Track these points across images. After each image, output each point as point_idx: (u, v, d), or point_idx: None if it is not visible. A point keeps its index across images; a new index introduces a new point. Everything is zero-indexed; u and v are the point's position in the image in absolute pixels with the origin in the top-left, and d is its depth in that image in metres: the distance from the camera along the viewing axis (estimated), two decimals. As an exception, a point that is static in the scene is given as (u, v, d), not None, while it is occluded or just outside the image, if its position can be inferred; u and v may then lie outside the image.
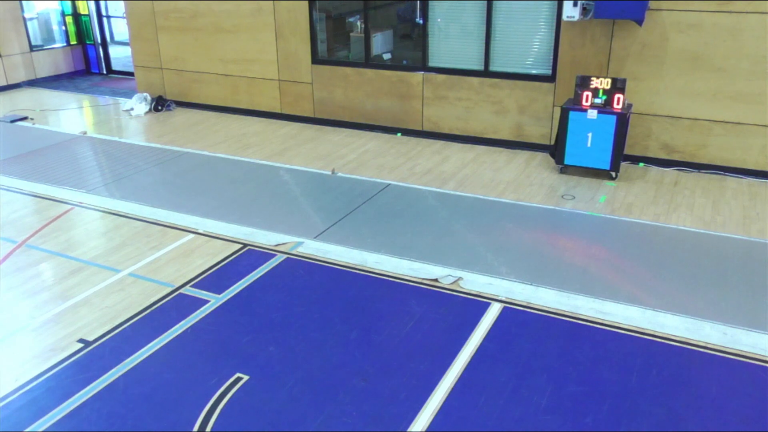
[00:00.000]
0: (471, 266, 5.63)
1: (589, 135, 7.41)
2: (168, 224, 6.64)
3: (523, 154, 8.55)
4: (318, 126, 10.05)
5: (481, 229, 6.41)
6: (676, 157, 7.90)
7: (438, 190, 7.41)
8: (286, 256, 5.92)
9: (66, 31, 14.06)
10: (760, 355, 4.43)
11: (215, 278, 5.56)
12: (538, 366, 4.36)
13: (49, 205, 7.21)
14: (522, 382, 4.20)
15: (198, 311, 5.06)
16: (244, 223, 6.58)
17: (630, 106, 7.63)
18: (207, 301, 5.20)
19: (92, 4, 13.88)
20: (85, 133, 9.91)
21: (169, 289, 5.39)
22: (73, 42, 14.21)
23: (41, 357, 4.55)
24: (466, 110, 8.99)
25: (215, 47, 10.58)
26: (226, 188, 7.59)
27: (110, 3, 13.89)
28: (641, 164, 8.05)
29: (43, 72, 13.62)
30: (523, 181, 7.61)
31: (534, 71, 8.53)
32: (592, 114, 7.33)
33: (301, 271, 5.68)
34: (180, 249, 6.10)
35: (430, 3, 8.85)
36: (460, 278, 5.45)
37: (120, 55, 14.23)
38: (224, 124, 10.26)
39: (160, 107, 11.06)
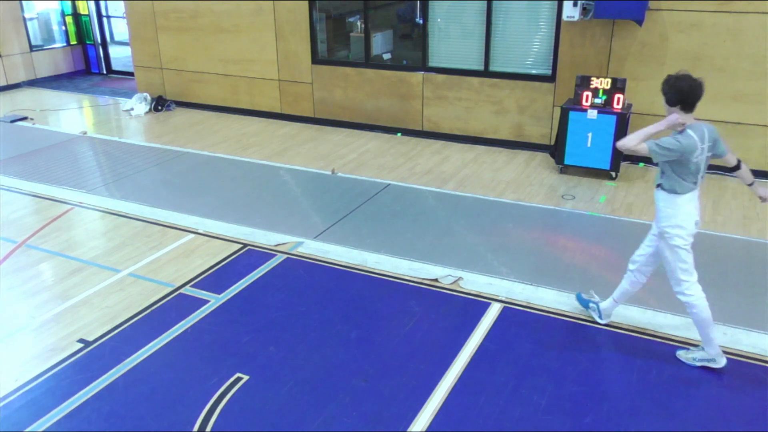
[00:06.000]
0: (471, 266, 5.63)
1: (589, 135, 7.40)
2: (168, 224, 6.64)
3: (523, 154, 8.55)
4: (318, 126, 10.05)
5: (481, 229, 6.41)
6: (676, 157, 7.89)
7: (438, 190, 7.41)
8: (286, 256, 5.92)
9: (66, 31, 14.06)
10: (760, 355, 4.43)
11: (215, 278, 5.56)
12: (538, 366, 4.36)
13: (49, 205, 7.21)
14: (522, 382, 4.20)
15: (198, 311, 5.06)
16: (244, 223, 6.58)
17: (630, 106, 7.63)
18: (207, 301, 5.20)
19: (92, 4, 13.88)
20: (85, 133, 9.91)
21: (169, 289, 5.39)
22: (73, 42, 14.20)
23: (41, 357, 4.55)
24: (466, 110, 8.99)
25: (215, 47, 10.58)
26: (226, 188, 7.60)
27: (110, 3, 13.88)
28: (641, 164, 8.05)
29: (43, 72, 13.62)
30: (523, 181, 7.61)
31: (534, 71, 8.53)
32: (592, 114, 7.33)
33: (301, 271, 5.68)
34: (180, 249, 6.10)
35: (430, 3, 8.85)
36: (460, 278, 5.45)
37: (120, 55, 14.21)
38: (224, 124, 10.26)
39: (160, 107, 11.06)
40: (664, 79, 4.02)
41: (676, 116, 4.01)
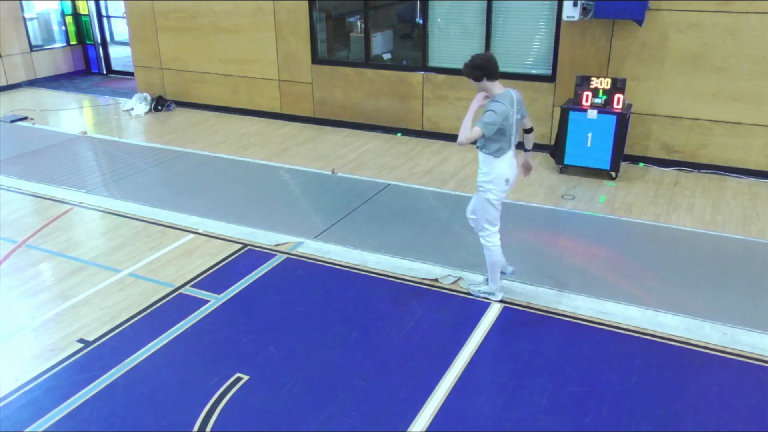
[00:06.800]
0: (471, 266, 5.63)
1: (589, 135, 7.40)
2: (168, 224, 6.64)
3: (523, 154, 8.52)
4: (318, 126, 10.05)
5: (481, 229, 6.40)
6: (676, 157, 7.90)
7: (438, 190, 7.41)
8: (286, 256, 5.92)
9: (66, 31, 14.06)
10: (760, 355, 4.43)
11: (215, 278, 5.56)
12: (538, 366, 4.36)
13: (49, 205, 7.21)
14: (522, 382, 4.20)
15: (198, 311, 5.06)
16: (244, 223, 6.58)
17: (630, 106, 7.63)
18: (207, 301, 5.20)
19: (92, 4, 13.88)
20: (85, 133, 9.91)
21: (169, 289, 5.39)
22: (73, 42, 14.20)
23: (41, 357, 4.55)
24: (466, 110, 8.94)
25: (215, 47, 10.58)
26: (226, 188, 7.60)
27: (110, 3, 13.89)
28: (641, 164, 8.05)
29: (43, 72, 13.62)
30: (523, 181, 7.60)
31: (534, 71, 8.53)
32: (592, 114, 7.33)
33: (301, 271, 5.68)
34: (180, 249, 6.10)
35: (430, 3, 8.85)
36: (460, 278, 5.45)
37: (120, 55, 14.22)
38: (224, 124, 10.26)
39: (160, 107, 11.06)
40: (463, 68, 4.56)
41: (482, 94, 4.64)
